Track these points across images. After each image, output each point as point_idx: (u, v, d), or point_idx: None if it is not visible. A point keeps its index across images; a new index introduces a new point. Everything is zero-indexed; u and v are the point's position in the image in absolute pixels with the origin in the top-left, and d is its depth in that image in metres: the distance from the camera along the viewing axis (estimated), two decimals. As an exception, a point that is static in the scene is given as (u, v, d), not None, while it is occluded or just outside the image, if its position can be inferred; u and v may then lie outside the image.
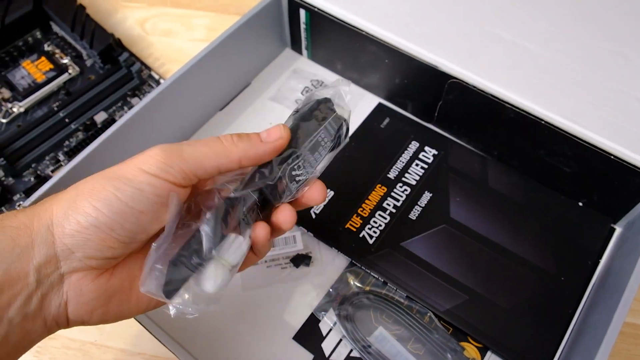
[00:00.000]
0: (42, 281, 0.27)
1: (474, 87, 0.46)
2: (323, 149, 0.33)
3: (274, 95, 0.56)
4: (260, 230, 0.31)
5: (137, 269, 0.30)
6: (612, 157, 0.42)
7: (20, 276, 0.26)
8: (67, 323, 0.29)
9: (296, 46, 0.59)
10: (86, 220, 0.27)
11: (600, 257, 0.45)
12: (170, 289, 0.29)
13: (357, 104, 0.55)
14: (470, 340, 0.42)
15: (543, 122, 0.44)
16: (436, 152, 0.51)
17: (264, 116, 0.55)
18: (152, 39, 0.62)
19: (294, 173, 0.32)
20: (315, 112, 0.33)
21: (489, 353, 0.42)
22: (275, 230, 0.33)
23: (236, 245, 0.30)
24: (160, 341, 0.40)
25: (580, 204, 0.48)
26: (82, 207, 0.27)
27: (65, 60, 0.57)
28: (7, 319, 0.26)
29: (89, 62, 0.58)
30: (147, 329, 0.40)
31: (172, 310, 0.29)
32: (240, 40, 0.52)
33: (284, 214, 0.32)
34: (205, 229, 0.29)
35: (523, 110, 0.44)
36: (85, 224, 0.27)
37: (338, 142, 0.34)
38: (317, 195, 0.33)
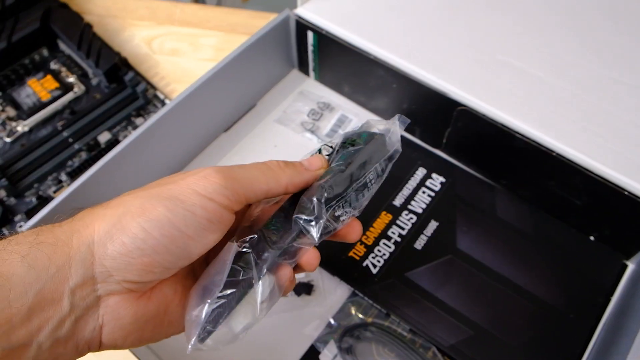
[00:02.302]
0: (76, 304, 0.25)
1: (483, 115, 0.45)
2: (368, 191, 0.32)
3: (280, 117, 0.55)
4: (287, 272, 0.30)
5: (172, 293, 0.29)
6: (625, 192, 0.40)
7: (55, 298, 0.25)
8: (100, 347, 0.27)
9: (303, 67, 0.58)
10: (132, 242, 0.25)
11: (612, 294, 0.44)
12: (206, 335, 0.28)
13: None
14: (475, 378, 0.41)
15: (554, 154, 0.42)
16: (444, 180, 0.50)
17: (269, 138, 0.54)
18: (158, 58, 0.62)
19: (337, 214, 0.30)
20: (368, 149, 0.32)
21: (494, 392, 0.40)
22: (296, 269, 0.32)
23: (265, 284, 0.29)
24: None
25: (592, 238, 0.46)
26: (129, 227, 0.26)
27: (71, 79, 0.57)
28: (37, 344, 0.24)
29: (94, 81, 0.57)
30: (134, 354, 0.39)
31: (189, 347, 0.27)
32: (247, 61, 0.52)
33: (309, 256, 0.31)
34: (260, 283, 0.28)
35: (533, 141, 0.43)
36: (131, 247, 0.25)
37: (381, 181, 0.33)
38: (353, 235, 0.32)
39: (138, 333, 0.28)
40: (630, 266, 0.45)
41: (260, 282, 0.28)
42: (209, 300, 0.27)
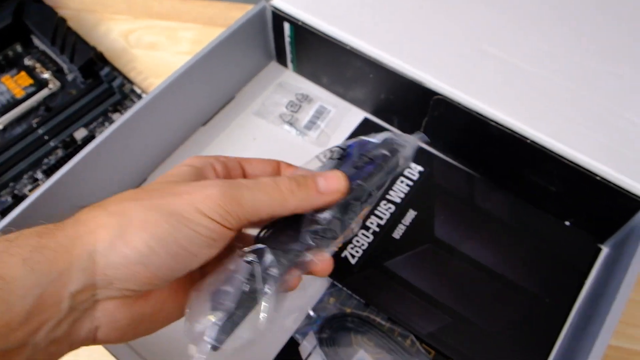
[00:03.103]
0: (75, 307, 0.25)
1: (459, 103, 0.45)
2: (371, 201, 0.32)
3: (258, 110, 0.55)
4: (291, 282, 0.30)
5: (168, 292, 0.29)
6: (598, 177, 0.41)
7: (54, 302, 0.25)
8: (94, 343, 0.28)
9: (281, 59, 0.58)
10: (136, 257, 0.25)
11: (586, 277, 0.44)
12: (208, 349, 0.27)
13: (342, 118, 0.54)
14: (453, 364, 0.41)
15: (528, 141, 0.43)
16: (422, 169, 0.50)
17: (248, 131, 0.54)
18: (136, 52, 0.61)
19: (347, 222, 0.31)
20: (386, 166, 0.32)
21: (472, 378, 0.41)
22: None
23: (272, 301, 0.28)
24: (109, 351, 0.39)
25: (567, 223, 0.47)
26: (133, 241, 0.25)
27: (46, 75, 0.56)
28: (33, 344, 0.25)
29: (70, 77, 0.57)
30: (113, 354, 0.39)
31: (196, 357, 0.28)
32: (224, 53, 0.51)
33: (325, 264, 0.30)
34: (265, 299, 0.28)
35: (507, 128, 0.43)
36: (134, 261, 0.25)
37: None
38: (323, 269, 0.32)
39: (133, 331, 0.28)
40: (605, 250, 0.46)
41: (266, 298, 0.28)
42: (214, 320, 0.27)
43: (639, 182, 0.40)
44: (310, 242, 0.29)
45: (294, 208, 0.29)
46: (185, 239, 0.26)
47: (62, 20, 0.57)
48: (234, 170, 0.32)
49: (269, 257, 0.28)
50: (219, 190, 0.27)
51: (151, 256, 0.25)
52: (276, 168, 0.34)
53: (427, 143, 0.32)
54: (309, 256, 0.29)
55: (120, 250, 0.25)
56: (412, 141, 0.33)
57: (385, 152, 0.32)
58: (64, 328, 0.26)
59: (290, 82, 0.57)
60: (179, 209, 0.26)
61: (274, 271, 0.28)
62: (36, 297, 0.24)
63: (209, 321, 0.27)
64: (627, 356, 0.43)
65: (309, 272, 0.31)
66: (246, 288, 0.27)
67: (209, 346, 0.27)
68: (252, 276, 0.27)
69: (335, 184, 0.30)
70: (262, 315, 0.27)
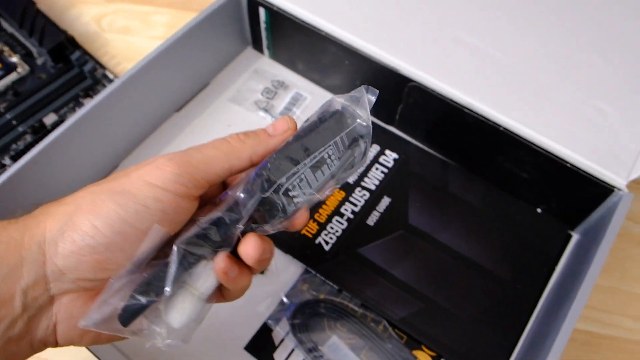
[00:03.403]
0: (29, 304, 0.25)
1: (433, 90, 0.45)
2: (328, 168, 0.28)
3: (234, 96, 0.55)
4: (220, 261, 0.27)
5: None
6: (568, 164, 0.41)
7: (6, 299, 0.24)
8: (56, 344, 0.27)
9: (257, 45, 0.57)
10: (82, 240, 0.25)
11: (556, 264, 0.45)
12: (126, 318, 0.26)
13: (318, 105, 0.54)
14: (424, 348, 0.42)
15: (501, 128, 0.43)
16: (397, 157, 0.50)
17: (222, 118, 0.54)
18: (108, 36, 0.60)
19: (290, 194, 0.28)
20: (326, 124, 0.28)
21: (442, 362, 0.41)
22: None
23: (207, 272, 0.27)
24: (97, 357, 0.38)
25: (539, 210, 0.47)
26: (79, 225, 0.25)
27: (14, 59, 0.55)
28: None
29: (39, 61, 0.55)
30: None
31: (147, 343, 0.27)
32: (198, 38, 0.51)
33: (246, 245, 0.27)
34: (175, 253, 0.26)
35: (481, 116, 0.43)
36: (81, 244, 0.25)
37: (351, 161, 0.29)
38: (298, 222, 0.29)
39: (94, 332, 0.26)
40: (575, 236, 0.46)
41: (198, 265, 0.27)
42: (111, 280, 0.26)
43: (607, 169, 0.40)
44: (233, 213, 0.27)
45: (249, 156, 0.28)
46: (133, 216, 0.25)
47: (31, 3, 0.56)
48: None
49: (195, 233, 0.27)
50: (167, 157, 0.26)
51: (97, 237, 0.25)
52: None
53: (373, 101, 0.29)
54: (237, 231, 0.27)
55: (68, 236, 0.25)
56: (357, 94, 0.29)
57: (331, 109, 0.29)
58: (20, 326, 0.25)
59: (266, 68, 0.57)
60: (126, 187, 0.26)
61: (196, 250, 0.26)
62: None
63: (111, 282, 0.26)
64: (593, 339, 0.44)
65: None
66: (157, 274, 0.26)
67: (105, 309, 0.25)
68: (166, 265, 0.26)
69: (283, 124, 0.29)
70: (198, 291, 0.27)
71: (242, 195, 0.27)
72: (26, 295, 0.25)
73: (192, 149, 0.27)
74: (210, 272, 0.27)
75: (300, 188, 0.28)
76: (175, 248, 0.26)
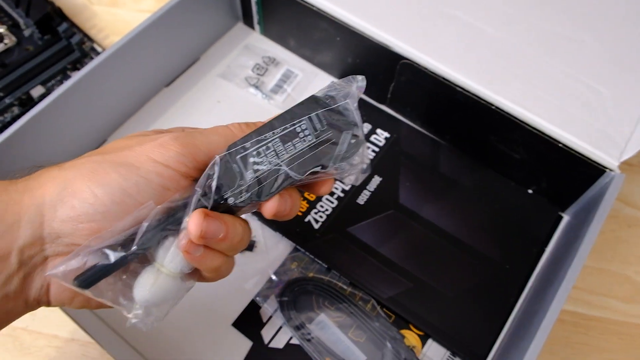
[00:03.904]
0: (24, 262, 0.25)
1: (425, 68, 0.44)
2: (300, 141, 0.27)
3: (224, 72, 0.54)
4: (181, 239, 0.26)
5: None
6: (560, 145, 0.41)
7: (3, 256, 0.25)
8: (49, 303, 0.27)
9: (248, 20, 0.56)
10: (81, 207, 0.25)
11: (546, 245, 0.45)
12: (85, 279, 0.25)
13: (310, 83, 0.53)
14: (412, 327, 0.42)
15: (493, 107, 0.42)
16: (388, 135, 0.50)
17: (212, 94, 0.53)
18: (96, 8, 0.59)
19: (252, 160, 0.26)
20: (304, 102, 0.28)
21: (429, 341, 0.41)
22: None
23: (174, 250, 0.26)
24: (84, 329, 0.38)
25: (530, 191, 0.47)
26: (79, 191, 0.25)
27: (1, 30, 0.54)
28: None
29: (27, 32, 0.54)
30: (69, 315, 0.39)
31: (128, 322, 0.27)
32: (188, 11, 0.50)
33: (193, 220, 0.25)
34: (144, 224, 0.25)
35: (473, 94, 0.43)
36: (80, 211, 0.25)
37: (332, 146, 0.27)
38: (321, 189, 0.29)
39: (84, 295, 0.27)
40: (565, 218, 0.46)
41: (166, 241, 0.26)
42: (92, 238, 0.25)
43: (599, 149, 0.40)
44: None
45: None
46: (134, 187, 0.25)
47: (18, -28, 0.54)
48: None
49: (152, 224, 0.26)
50: (172, 137, 0.27)
51: (96, 205, 0.25)
52: None
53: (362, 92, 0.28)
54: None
55: (67, 201, 0.25)
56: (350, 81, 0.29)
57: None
58: (16, 283, 0.25)
59: (256, 44, 0.56)
60: (130, 159, 0.26)
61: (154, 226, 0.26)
62: None
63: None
64: (582, 321, 0.44)
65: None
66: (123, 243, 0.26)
67: (73, 261, 0.25)
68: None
69: None
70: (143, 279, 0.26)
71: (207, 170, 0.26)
72: (22, 253, 0.25)
73: (195, 131, 0.28)
74: (178, 250, 0.26)
75: (266, 156, 0.27)
76: (152, 213, 0.26)
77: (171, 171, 0.26)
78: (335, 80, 0.29)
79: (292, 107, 0.28)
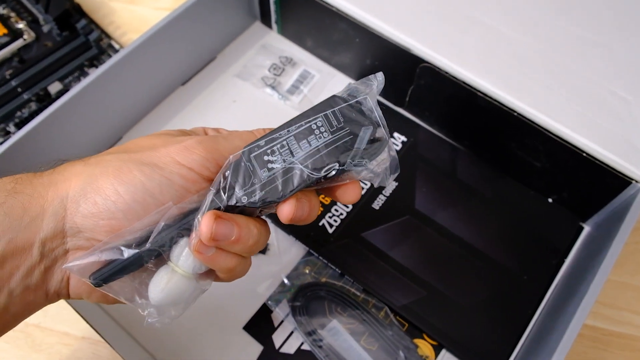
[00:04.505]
0: (46, 254, 0.26)
1: (446, 72, 0.43)
2: (316, 139, 0.26)
3: (240, 72, 0.53)
4: (192, 239, 0.26)
5: None
6: (584, 154, 0.40)
7: (26, 247, 0.25)
8: (68, 296, 0.28)
9: (266, 20, 0.55)
10: (104, 203, 0.26)
11: (566, 256, 0.44)
12: (100, 276, 0.26)
13: (327, 84, 0.53)
14: (426, 337, 0.41)
15: (515, 114, 0.41)
16: (405, 139, 0.49)
17: (228, 93, 0.52)
18: (114, 5, 0.59)
19: (266, 158, 0.26)
20: (321, 102, 0.27)
21: (443, 351, 0.41)
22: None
23: (188, 250, 0.26)
24: (94, 329, 0.38)
25: (550, 200, 0.46)
26: (103, 188, 0.26)
27: (21, 25, 0.54)
28: (8, 290, 0.25)
29: (45, 28, 0.54)
30: (80, 315, 0.38)
31: (145, 321, 0.27)
32: (206, 10, 0.49)
33: (204, 222, 0.25)
34: (160, 223, 0.26)
35: (495, 100, 0.42)
36: (102, 208, 0.26)
37: (352, 144, 0.26)
38: (347, 197, 0.28)
39: (101, 291, 0.27)
40: (586, 228, 0.45)
41: (180, 242, 0.26)
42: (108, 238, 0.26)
43: (625, 160, 0.39)
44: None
45: None
46: (157, 187, 0.26)
47: (38, -32, 0.54)
48: None
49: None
50: (196, 141, 0.27)
51: (118, 202, 0.25)
52: None
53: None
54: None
55: (90, 197, 0.26)
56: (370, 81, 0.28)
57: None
58: (37, 275, 0.26)
59: (274, 44, 0.55)
60: (154, 160, 0.26)
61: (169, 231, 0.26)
62: (9, 241, 0.25)
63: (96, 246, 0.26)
64: (601, 336, 0.43)
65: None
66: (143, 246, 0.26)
67: (92, 257, 0.26)
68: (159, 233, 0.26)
69: None
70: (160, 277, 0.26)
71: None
72: (44, 245, 0.26)
73: (219, 136, 0.28)
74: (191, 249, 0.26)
75: (280, 154, 0.26)
76: (168, 212, 0.26)
77: (194, 174, 0.26)
78: (352, 81, 0.28)
79: (312, 107, 0.27)
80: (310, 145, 0.26)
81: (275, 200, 0.26)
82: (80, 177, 0.26)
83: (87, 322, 0.39)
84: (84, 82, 0.43)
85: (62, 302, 0.39)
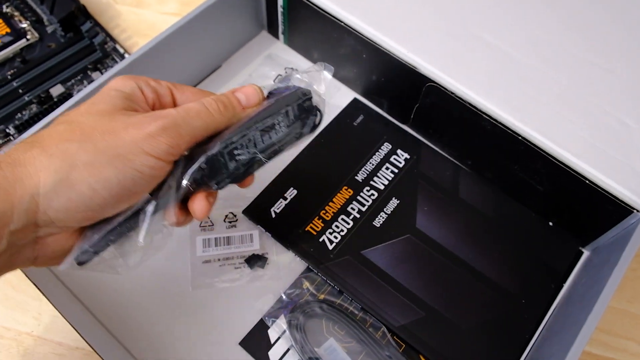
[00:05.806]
0: (14, 243, 0.26)
1: (452, 93, 0.43)
2: (275, 133, 0.32)
3: (245, 81, 0.53)
4: (170, 217, 0.30)
5: None
6: (587, 181, 0.40)
7: None
8: (33, 265, 0.29)
9: (273, 30, 0.55)
10: (80, 199, 0.26)
11: (565, 280, 0.44)
12: (84, 258, 0.29)
13: (332, 97, 0.53)
14: (423, 358, 0.41)
15: (520, 137, 0.41)
16: (408, 157, 0.49)
17: (232, 102, 0.52)
18: (120, 8, 0.58)
19: (235, 152, 0.31)
20: (282, 97, 0.32)
21: (440, 374, 0.40)
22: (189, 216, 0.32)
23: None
24: (88, 343, 0.37)
25: (551, 223, 0.46)
26: (77, 185, 0.26)
27: (24, 25, 0.53)
28: None
29: (49, 29, 0.54)
30: (75, 329, 0.38)
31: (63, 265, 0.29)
32: (213, 18, 0.49)
33: (195, 205, 0.31)
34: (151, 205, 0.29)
35: (500, 123, 0.42)
36: (77, 203, 0.26)
37: (299, 132, 0.33)
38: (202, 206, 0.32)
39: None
40: (586, 253, 0.45)
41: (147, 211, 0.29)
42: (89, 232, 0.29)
43: (628, 189, 0.39)
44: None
45: (224, 126, 0.31)
46: (130, 180, 0.27)
47: (44, -32, 0.54)
48: (164, 97, 0.32)
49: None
50: (159, 127, 0.28)
51: (95, 197, 0.27)
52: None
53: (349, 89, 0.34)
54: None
55: (63, 194, 0.26)
56: (318, 68, 0.34)
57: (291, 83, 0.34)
58: (3, 260, 0.27)
59: (279, 54, 0.55)
60: (123, 151, 0.27)
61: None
62: None
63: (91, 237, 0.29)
64: (597, 362, 0.43)
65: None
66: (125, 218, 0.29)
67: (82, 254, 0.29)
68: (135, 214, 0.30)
69: (254, 96, 0.33)
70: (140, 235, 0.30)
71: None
72: (13, 236, 0.26)
73: (179, 118, 0.29)
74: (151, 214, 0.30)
75: (247, 147, 0.31)
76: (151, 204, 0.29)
77: (162, 163, 0.28)
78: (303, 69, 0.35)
79: (278, 99, 0.32)
80: (270, 139, 0.32)
81: (237, 182, 0.33)
82: (49, 172, 0.26)
83: (79, 334, 0.38)
84: (89, 87, 0.42)
85: (55, 312, 0.38)
